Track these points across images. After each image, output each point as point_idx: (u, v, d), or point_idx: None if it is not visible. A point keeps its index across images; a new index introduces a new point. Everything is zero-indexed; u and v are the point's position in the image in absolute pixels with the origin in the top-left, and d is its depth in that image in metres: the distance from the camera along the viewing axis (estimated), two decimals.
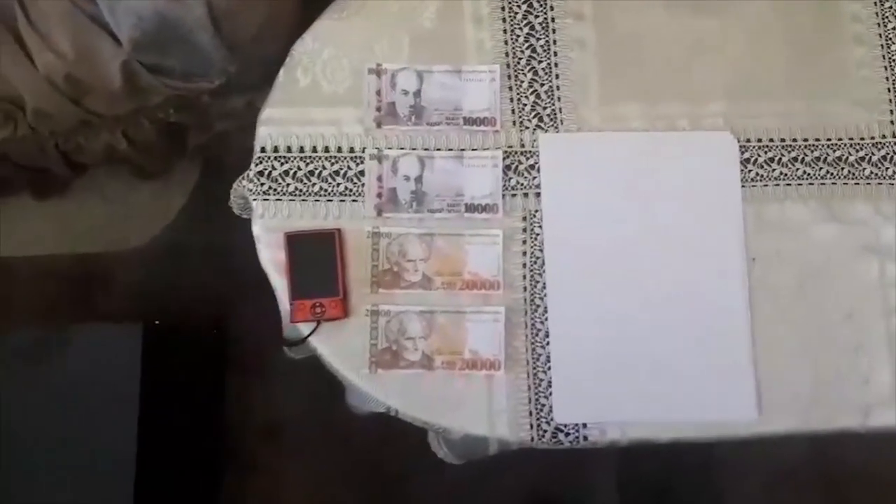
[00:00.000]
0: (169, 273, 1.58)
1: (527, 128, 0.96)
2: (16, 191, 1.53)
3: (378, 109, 0.94)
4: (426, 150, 0.94)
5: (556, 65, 0.97)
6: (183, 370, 1.22)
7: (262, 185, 0.94)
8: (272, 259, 0.92)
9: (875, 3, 1.02)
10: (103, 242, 1.57)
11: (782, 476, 1.60)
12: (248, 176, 0.94)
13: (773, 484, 1.59)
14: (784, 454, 1.60)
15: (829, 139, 0.97)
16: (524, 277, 0.93)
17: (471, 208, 0.93)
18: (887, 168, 0.97)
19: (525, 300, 0.92)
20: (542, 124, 0.96)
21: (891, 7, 1.02)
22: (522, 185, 0.94)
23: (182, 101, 1.12)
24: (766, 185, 0.96)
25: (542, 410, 0.90)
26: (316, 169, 0.93)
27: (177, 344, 1.18)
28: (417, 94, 0.95)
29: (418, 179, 0.93)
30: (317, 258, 0.89)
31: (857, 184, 0.96)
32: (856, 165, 0.97)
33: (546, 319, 0.91)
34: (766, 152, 0.97)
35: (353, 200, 0.93)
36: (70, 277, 1.56)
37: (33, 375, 0.99)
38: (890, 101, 0.99)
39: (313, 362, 1.55)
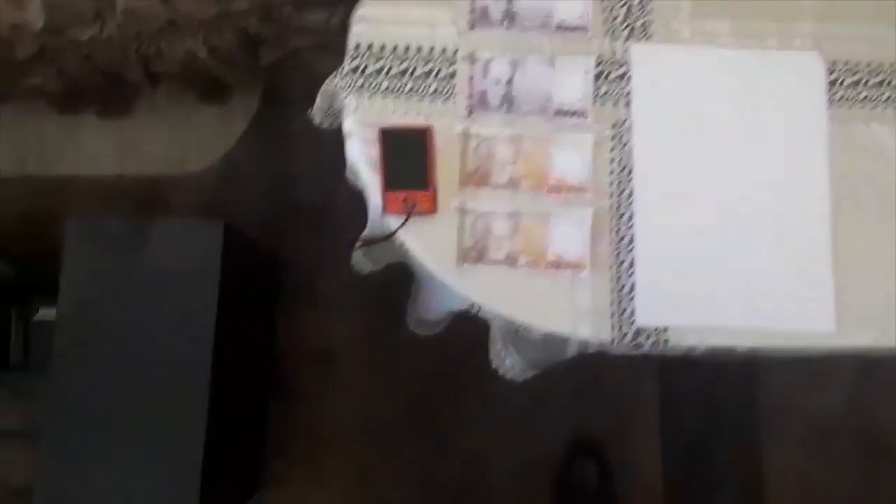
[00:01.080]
0: (225, 199, 1.61)
1: (618, 38, 0.96)
2: (83, 108, 1.55)
3: (472, 11, 0.95)
4: (518, 53, 0.95)
5: None
6: (249, 283, 1.25)
7: (356, 81, 0.95)
8: (363, 154, 0.93)
9: None
10: (162, 165, 1.59)
11: (820, 434, 1.61)
12: (341, 72, 0.95)
13: (811, 441, 1.61)
14: (822, 412, 1.62)
15: None
16: (611, 184, 0.94)
17: (560, 113, 0.94)
18: None
19: (611, 206, 0.93)
20: (633, 35, 0.96)
21: None
22: (612, 93, 0.95)
23: (265, 10, 1.13)
24: (851, 107, 0.96)
25: (623, 313, 0.91)
26: (408, 68, 0.95)
27: (243, 254, 1.19)
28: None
29: (509, 82, 0.94)
30: (409, 153, 0.90)
31: None
32: None
33: (631, 226, 0.92)
34: (852, 74, 0.97)
35: (444, 101, 0.94)
36: (128, 199, 1.58)
37: (122, 264, 1.01)
38: None
39: (366, 289, 1.57)
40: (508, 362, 1.09)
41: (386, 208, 0.90)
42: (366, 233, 1.00)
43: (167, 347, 1.00)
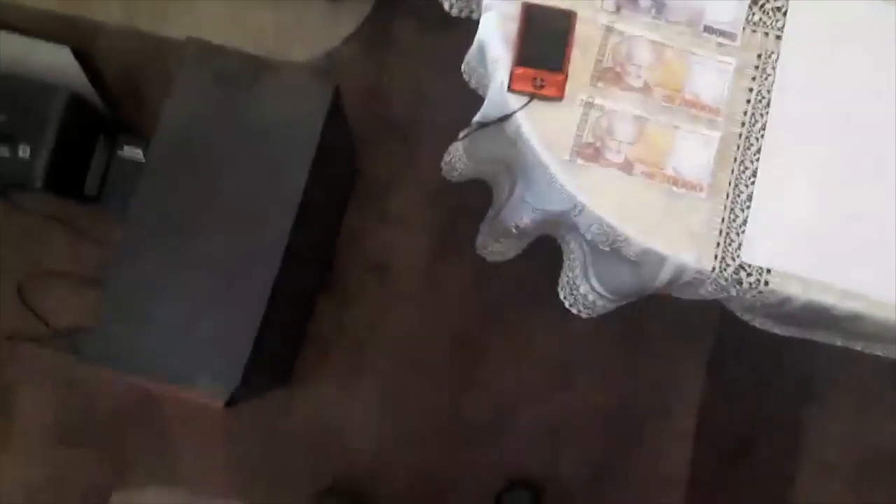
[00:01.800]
0: None
1: None
2: None
3: None
4: None
5: None
6: (336, 164, 1.23)
7: None
8: (498, 28, 0.90)
9: None
10: (266, 47, 1.58)
11: (864, 467, 1.56)
12: None
13: (851, 474, 1.55)
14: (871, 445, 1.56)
15: None
16: (745, 113, 0.90)
17: (709, 30, 0.90)
18: None
19: (741, 135, 0.89)
20: None
21: None
22: (765, 23, 0.91)
23: None
24: None
25: (730, 245, 0.87)
26: None
27: (341, 130, 1.17)
28: None
29: None
30: (548, 33, 0.88)
31: None
32: None
33: (757, 159, 0.89)
34: None
35: None
36: None
37: (229, 100, 1.00)
38: None
39: (434, 211, 1.55)
40: (582, 289, 1.05)
41: (512, 85, 0.88)
42: (477, 118, 0.98)
43: (253, 199, 0.98)
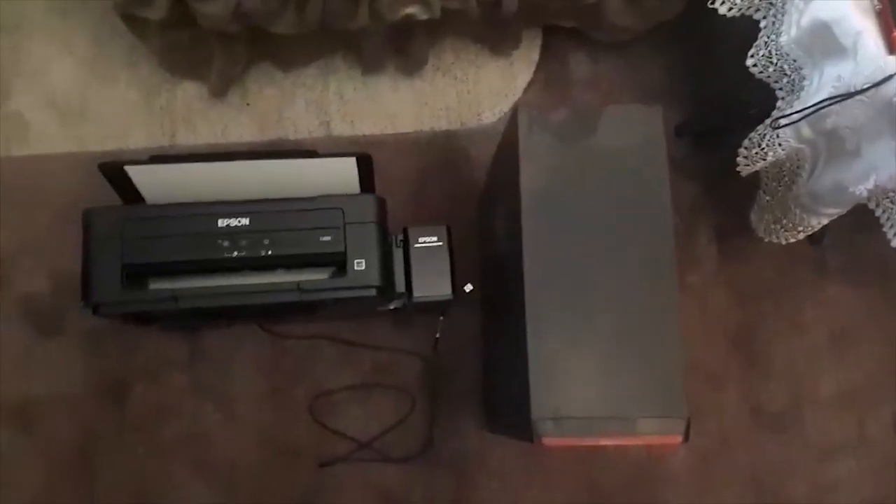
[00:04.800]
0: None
1: None
2: (383, 68, 1.61)
3: None
4: None
5: None
6: None
7: None
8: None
9: None
10: (458, 121, 1.64)
11: None
12: None
13: None
14: None
15: None
16: None
17: None
18: None
19: None
20: None
21: None
22: None
23: None
24: None
25: None
26: None
27: None
28: None
29: None
30: None
31: None
32: None
33: None
34: None
35: None
36: (430, 152, 1.62)
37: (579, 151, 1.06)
38: None
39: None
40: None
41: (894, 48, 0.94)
42: (824, 95, 1.03)
43: (627, 229, 1.03)
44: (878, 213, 1.25)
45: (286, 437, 1.45)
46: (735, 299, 1.59)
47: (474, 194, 1.58)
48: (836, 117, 1.06)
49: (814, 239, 1.61)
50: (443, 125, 1.65)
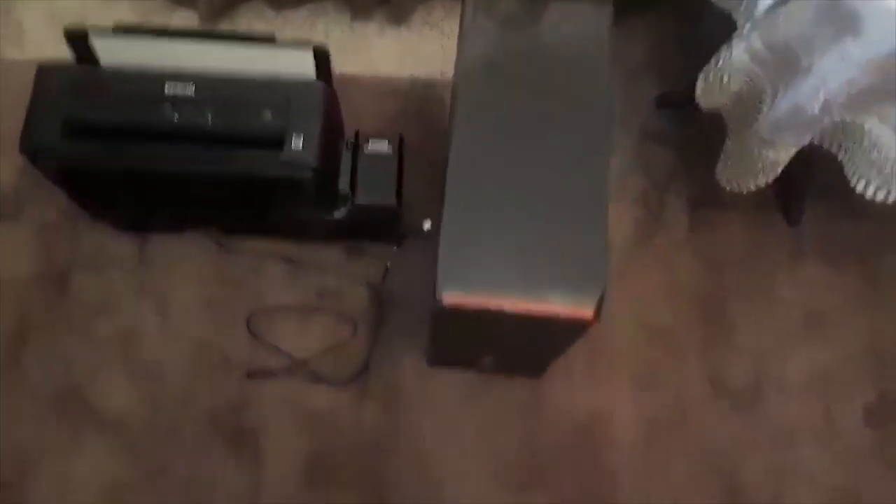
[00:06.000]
0: None
1: None
2: (371, 16, 1.65)
3: None
4: None
5: None
6: None
7: None
8: None
9: None
10: (438, 70, 1.66)
11: None
12: None
13: None
14: None
15: None
16: None
17: None
18: None
19: None
20: None
21: None
22: None
23: None
24: None
25: None
26: None
27: None
28: None
29: None
30: None
31: None
32: None
33: None
34: None
35: None
36: (407, 97, 1.63)
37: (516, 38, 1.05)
38: None
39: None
40: None
41: None
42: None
43: (564, 111, 1.00)
44: (840, 156, 1.20)
45: (219, 348, 1.42)
46: (704, 268, 1.52)
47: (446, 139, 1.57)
48: (785, 27, 1.04)
49: (791, 219, 1.56)
50: (423, 74, 1.67)
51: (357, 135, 1.30)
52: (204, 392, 1.38)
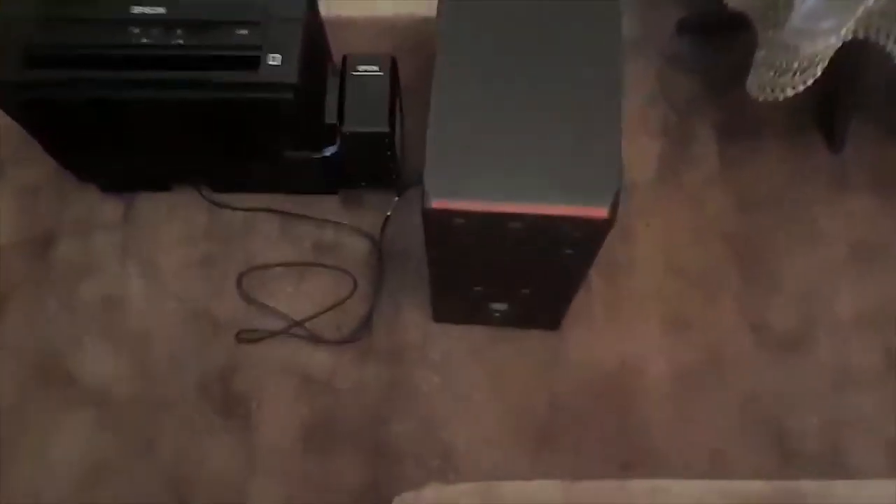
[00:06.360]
0: None
1: None
2: None
3: None
4: None
5: None
6: None
7: None
8: None
9: None
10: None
11: None
12: None
13: None
14: None
15: None
16: None
17: None
18: None
19: None
20: None
21: None
22: None
23: None
24: None
25: None
26: None
27: None
28: None
29: None
30: None
31: None
32: None
33: None
34: None
35: None
36: (405, 33, 1.52)
37: None
38: None
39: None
40: None
41: None
42: None
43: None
44: (888, 46, 1.06)
45: (209, 310, 1.31)
46: (737, 204, 1.38)
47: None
48: None
49: (834, 145, 1.41)
50: (423, 11, 1.56)
51: (345, 59, 1.19)
52: (192, 358, 1.28)
